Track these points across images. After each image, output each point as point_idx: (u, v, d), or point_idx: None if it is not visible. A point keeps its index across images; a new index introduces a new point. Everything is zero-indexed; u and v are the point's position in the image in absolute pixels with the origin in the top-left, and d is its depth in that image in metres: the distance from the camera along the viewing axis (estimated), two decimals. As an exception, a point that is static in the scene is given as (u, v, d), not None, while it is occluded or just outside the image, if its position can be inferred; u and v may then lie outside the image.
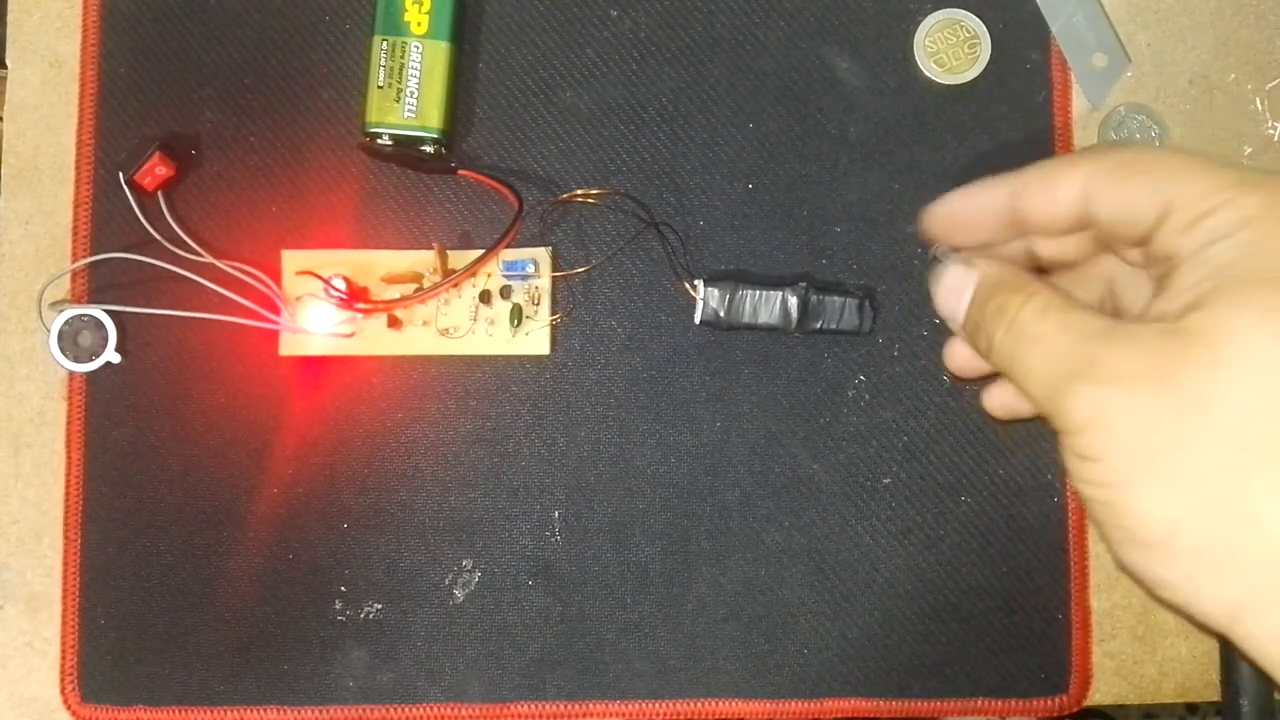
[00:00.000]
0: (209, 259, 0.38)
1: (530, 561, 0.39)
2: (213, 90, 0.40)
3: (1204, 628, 0.26)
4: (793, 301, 0.38)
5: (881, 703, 0.39)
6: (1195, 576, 0.24)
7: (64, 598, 0.39)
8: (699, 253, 0.40)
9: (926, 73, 0.40)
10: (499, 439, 0.40)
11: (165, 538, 0.39)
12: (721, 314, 0.39)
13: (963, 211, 0.32)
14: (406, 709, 0.39)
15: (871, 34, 0.40)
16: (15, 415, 0.40)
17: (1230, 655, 0.37)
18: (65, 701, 0.39)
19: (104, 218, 0.40)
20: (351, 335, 0.39)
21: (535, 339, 0.39)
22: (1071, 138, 0.40)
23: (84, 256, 0.40)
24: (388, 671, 0.39)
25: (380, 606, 0.39)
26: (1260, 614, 0.24)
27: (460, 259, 0.39)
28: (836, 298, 0.39)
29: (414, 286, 0.39)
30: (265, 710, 0.39)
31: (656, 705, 0.39)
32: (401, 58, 0.38)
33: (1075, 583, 0.39)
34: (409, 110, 0.38)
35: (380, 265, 0.39)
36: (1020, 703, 0.39)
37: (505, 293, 0.39)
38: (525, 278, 0.39)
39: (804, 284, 0.39)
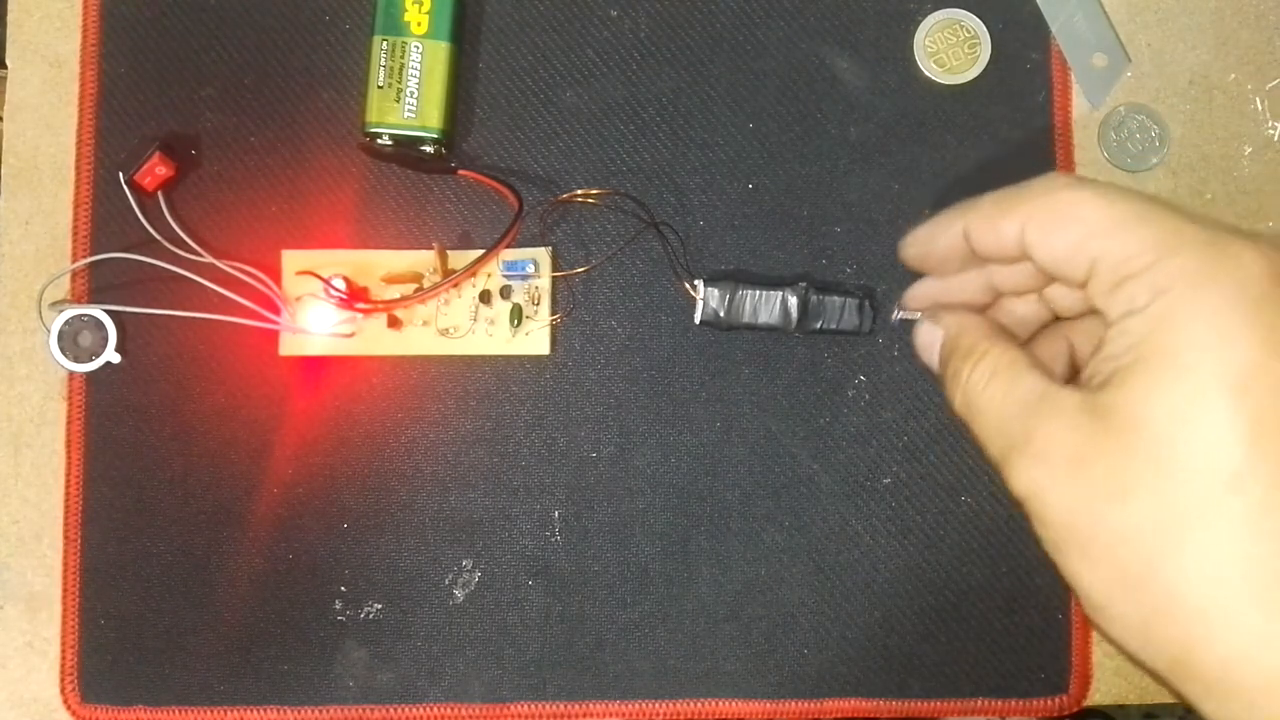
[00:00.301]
0: (209, 259, 0.38)
1: (530, 561, 0.39)
2: (213, 90, 0.40)
3: None
4: (793, 301, 0.38)
5: (881, 703, 0.39)
6: (1129, 642, 0.26)
7: (64, 598, 0.39)
8: (699, 253, 0.40)
9: (926, 73, 0.40)
10: (499, 439, 0.40)
11: (165, 538, 0.39)
12: (721, 314, 0.39)
13: (926, 246, 0.33)
14: (406, 709, 0.39)
15: (871, 34, 0.40)
16: (15, 415, 0.40)
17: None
18: (65, 701, 0.39)
19: (104, 218, 0.40)
20: (351, 335, 0.39)
21: (535, 339, 0.39)
22: (1071, 138, 0.40)
23: (84, 256, 0.40)
24: (388, 671, 0.39)
25: (380, 606, 0.39)
26: (1187, 680, 0.25)
27: (460, 259, 0.39)
28: (836, 298, 0.39)
29: (414, 286, 0.39)
30: (265, 710, 0.39)
31: (656, 705, 0.39)
32: (401, 58, 0.38)
33: (1075, 583, 0.39)
34: (409, 110, 0.38)
35: (380, 265, 0.39)
36: (1020, 703, 0.39)
37: (505, 293, 0.39)
38: (525, 278, 0.39)
39: (804, 284, 0.39)
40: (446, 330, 0.39)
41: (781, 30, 0.40)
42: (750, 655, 0.39)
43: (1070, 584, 0.27)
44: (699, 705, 0.39)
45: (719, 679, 0.39)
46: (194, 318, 0.38)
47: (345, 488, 0.39)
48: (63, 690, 0.39)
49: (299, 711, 0.39)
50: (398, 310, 0.39)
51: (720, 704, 0.39)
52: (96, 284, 0.40)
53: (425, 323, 0.39)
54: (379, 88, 0.38)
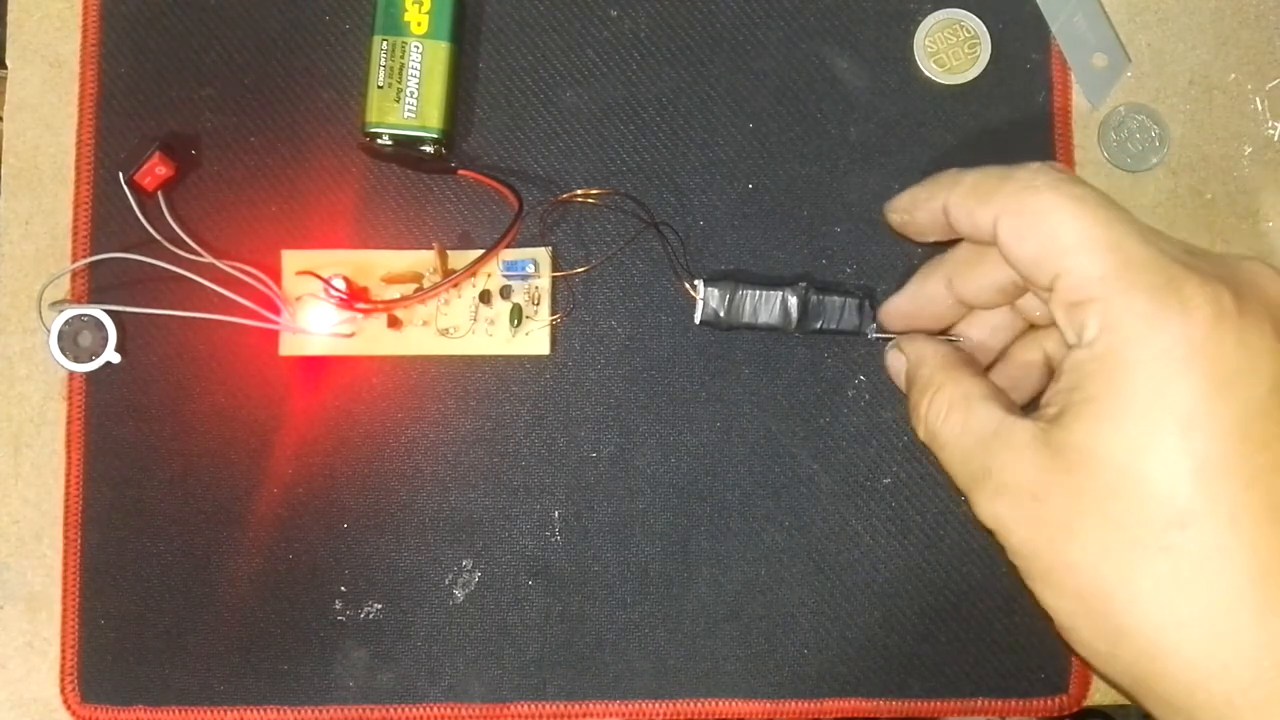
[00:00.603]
0: (209, 259, 0.38)
1: (530, 561, 0.39)
2: (213, 90, 0.40)
3: None
4: (793, 301, 0.38)
5: (881, 703, 0.39)
6: (1095, 662, 0.27)
7: (64, 598, 0.39)
8: (699, 253, 0.40)
9: (926, 73, 0.40)
10: (499, 439, 0.40)
11: (165, 538, 0.39)
12: (721, 314, 0.39)
13: (907, 214, 0.34)
14: (406, 709, 0.39)
15: (871, 34, 0.40)
16: (15, 415, 0.40)
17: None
18: (65, 701, 0.39)
19: (104, 218, 0.40)
20: (351, 335, 0.39)
21: (535, 339, 0.39)
22: (1071, 138, 0.40)
23: (84, 256, 0.40)
24: (388, 671, 0.39)
25: (380, 606, 0.39)
26: (1149, 699, 0.26)
27: (460, 259, 0.39)
28: (836, 298, 0.39)
29: (414, 286, 0.39)
30: (265, 710, 0.39)
31: (656, 705, 0.39)
32: (401, 58, 0.38)
33: (1075, 583, 0.39)
34: (409, 110, 0.38)
35: (380, 265, 0.39)
36: (1020, 703, 0.39)
37: (505, 293, 0.39)
38: (525, 278, 0.39)
39: (804, 284, 0.39)
40: (446, 330, 0.39)
41: (781, 30, 0.40)
42: (750, 655, 0.39)
43: (1042, 608, 0.28)
44: (699, 705, 0.39)
45: (719, 679, 0.39)
46: (194, 318, 0.38)
47: (345, 488, 0.39)
48: (63, 690, 0.39)
49: (299, 711, 0.39)
50: (398, 310, 0.39)
51: (720, 704, 0.39)
52: (96, 284, 0.40)
53: (425, 323, 0.39)
54: (379, 88, 0.38)
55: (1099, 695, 0.40)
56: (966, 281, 0.33)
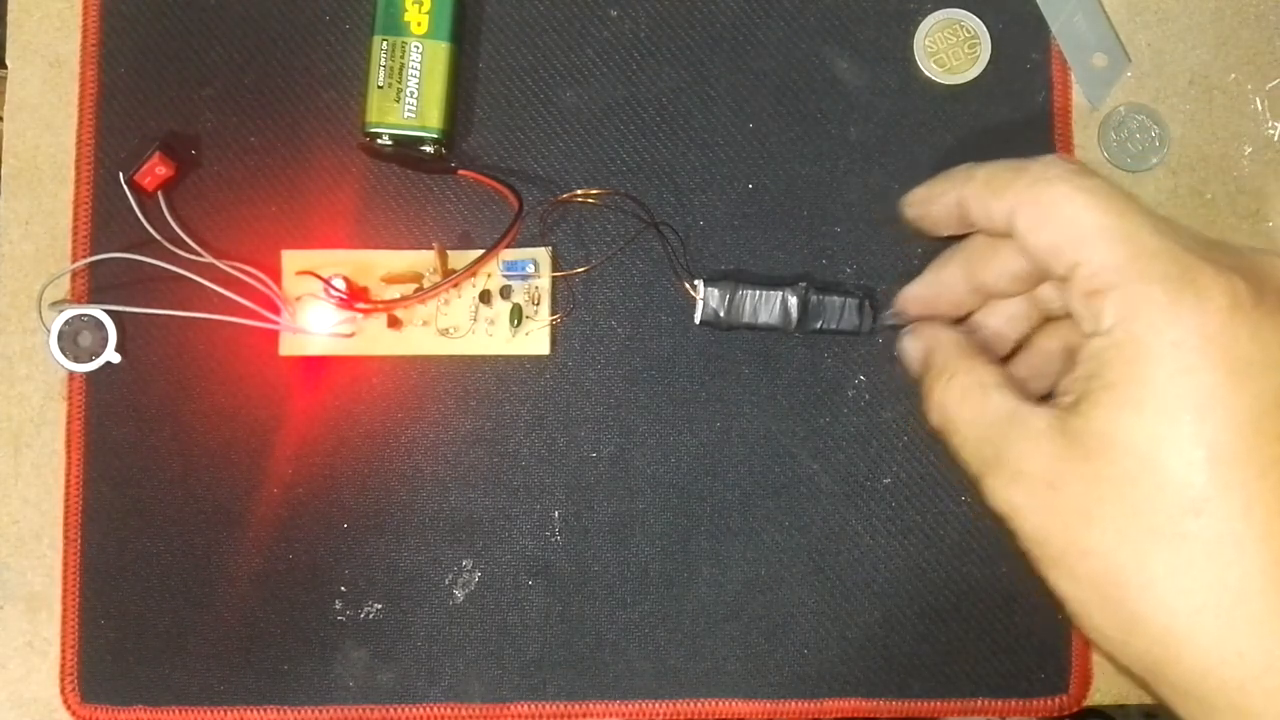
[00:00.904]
0: (209, 259, 0.38)
1: (530, 561, 0.39)
2: (213, 90, 0.40)
3: None
4: (793, 301, 0.38)
5: (881, 703, 0.39)
6: (1109, 649, 0.27)
7: (64, 598, 0.39)
8: (699, 253, 0.40)
9: (926, 73, 0.40)
10: (499, 439, 0.40)
11: (165, 538, 0.39)
12: (721, 314, 0.39)
13: (923, 208, 0.34)
14: (406, 709, 0.39)
15: (871, 34, 0.40)
16: (15, 415, 0.40)
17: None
18: (65, 701, 0.39)
19: (104, 218, 0.40)
20: (351, 335, 0.39)
21: (535, 339, 0.39)
22: (1071, 138, 0.40)
23: (84, 256, 0.40)
24: (388, 671, 0.39)
25: (380, 606, 0.39)
26: (1162, 687, 0.27)
27: (460, 259, 0.39)
28: (836, 298, 0.39)
29: (414, 286, 0.39)
30: (265, 710, 0.39)
31: (656, 705, 0.39)
32: (401, 58, 0.38)
33: (1075, 583, 0.39)
34: (409, 110, 0.38)
35: (380, 265, 0.39)
36: (1020, 703, 0.39)
37: (505, 293, 0.39)
38: (525, 278, 0.39)
39: (804, 284, 0.39)
40: (446, 330, 0.39)
41: (781, 30, 0.40)
42: (750, 655, 0.39)
43: (1054, 594, 0.28)
44: (699, 705, 0.39)
45: (719, 679, 0.39)
46: (194, 318, 0.38)
47: (345, 488, 0.39)
48: (63, 690, 0.39)
49: (299, 711, 0.39)
50: (398, 310, 0.39)
51: (720, 704, 0.39)
52: (96, 284, 0.40)
53: (425, 323, 0.39)
54: (379, 88, 0.38)
55: (1099, 695, 0.40)
56: (984, 269, 0.33)
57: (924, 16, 0.40)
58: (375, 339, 0.39)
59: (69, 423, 0.40)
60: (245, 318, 0.38)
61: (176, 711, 0.39)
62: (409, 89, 0.38)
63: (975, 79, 0.40)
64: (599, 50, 0.40)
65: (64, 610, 0.39)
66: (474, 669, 0.39)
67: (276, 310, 0.39)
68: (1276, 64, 0.41)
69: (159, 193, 0.39)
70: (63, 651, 0.39)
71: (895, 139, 0.40)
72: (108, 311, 0.39)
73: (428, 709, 0.39)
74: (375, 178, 0.40)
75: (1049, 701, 0.39)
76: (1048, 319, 0.34)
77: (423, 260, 0.39)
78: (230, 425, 0.39)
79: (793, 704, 0.39)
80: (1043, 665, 0.39)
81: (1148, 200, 0.40)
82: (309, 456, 0.39)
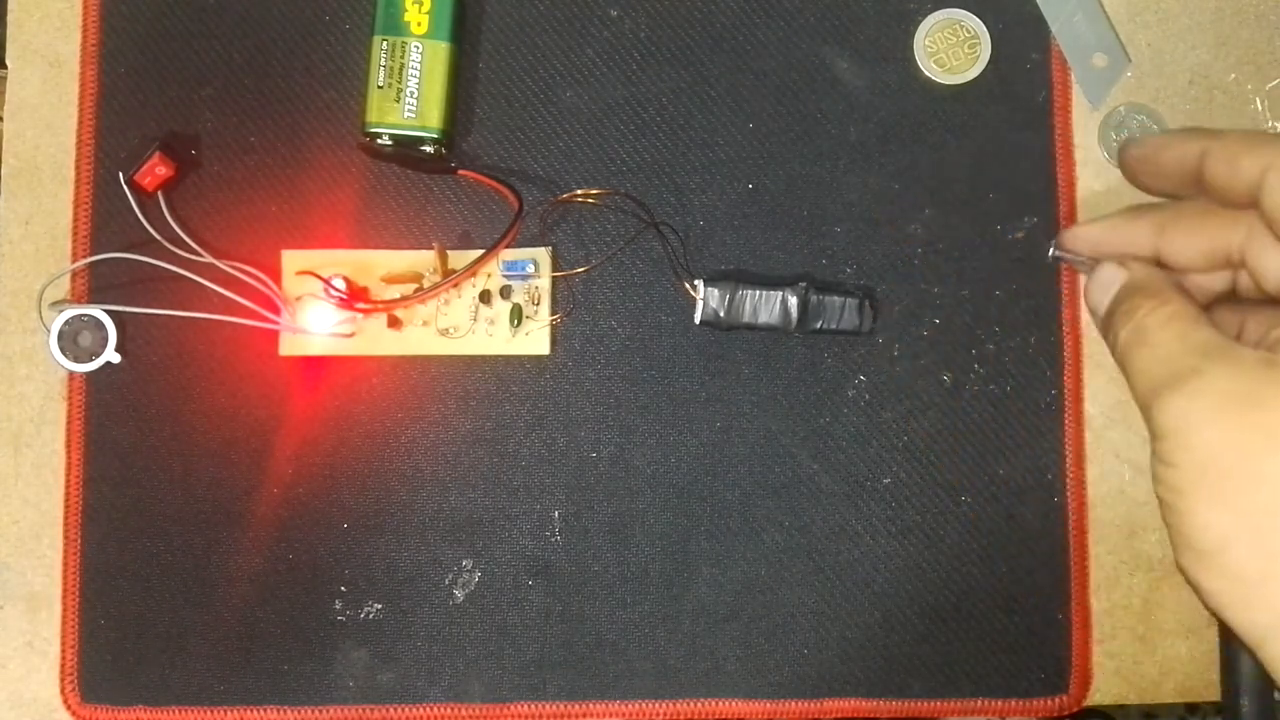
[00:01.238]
0: (209, 259, 0.38)
1: (530, 561, 0.39)
2: (213, 90, 0.40)
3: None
4: (793, 301, 0.38)
5: (881, 703, 0.39)
6: (1234, 594, 0.26)
7: (64, 598, 0.39)
8: (699, 253, 0.40)
9: (926, 73, 0.40)
10: (499, 439, 0.40)
11: (165, 538, 0.39)
12: (721, 314, 0.39)
13: (1154, 152, 0.32)
14: (406, 709, 0.39)
15: (871, 34, 0.40)
16: (15, 415, 0.40)
17: (1230, 655, 0.37)
18: (65, 701, 0.39)
19: (104, 218, 0.40)
20: (351, 335, 0.39)
21: (535, 339, 0.39)
22: (1071, 138, 0.40)
23: (84, 256, 0.40)
24: (388, 671, 0.39)
25: (380, 606, 0.39)
26: None
27: (460, 259, 0.39)
28: (836, 298, 0.39)
29: (414, 286, 0.39)
30: (265, 710, 0.39)
31: (656, 705, 0.39)
32: (401, 58, 0.38)
33: (1075, 583, 0.39)
34: (409, 110, 0.38)
35: (380, 265, 0.39)
36: (1020, 703, 0.39)
37: (505, 293, 0.39)
38: (525, 278, 0.39)
39: (804, 284, 0.39)
40: (446, 330, 0.39)
41: (781, 30, 0.40)
42: (750, 655, 0.39)
43: (1180, 528, 0.27)
44: (699, 705, 0.39)
45: (719, 679, 0.39)
46: (194, 318, 0.38)
47: (345, 488, 0.39)
48: (63, 690, 0.39)
49: (299, 711, 0.39)
50: (398, 310, 0.39)
51: (720, 704, 0.39)
52: (96, 284, 0.40)
53: (425, 323, 0.39)
54: (379, 88, 0.38)
55: (1099, 695, 0.40)
56: (1182, 235, 0.31)
57: (924, 16, 0.40)
58: (375, 339, 0.39)
59: (69, 423, 0.40)
60: (245, 318, 0.38)
61: (176, 711, 0.39)
62: (409, 89, 0.38)
63: (975, 79, 0.40)
64: (599, 50, 0.40)
65: (64, 610, 0.39)
66: (474, 669, 0.39)
67: (276, 310, 0.39)
68: (1276, 64, 0.41)
69: (159, 193, 0.39)
70: (63, 651, 0.39)
71: (895, 139, 0.40)
72: (108, 311, 0.39)
73: (428, 709, 0.39)
74: (375, 178, 0.40)
75: (1049, 701, 0.39)
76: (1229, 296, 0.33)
77: (423, 260, 0.39)
78: (230, 425, 0.39)
79: (793, 704, 0.39)
80: (1043, 665, 0.39)
81: (1148, 200, 0.40)
82: (309, 456, 0.39)
